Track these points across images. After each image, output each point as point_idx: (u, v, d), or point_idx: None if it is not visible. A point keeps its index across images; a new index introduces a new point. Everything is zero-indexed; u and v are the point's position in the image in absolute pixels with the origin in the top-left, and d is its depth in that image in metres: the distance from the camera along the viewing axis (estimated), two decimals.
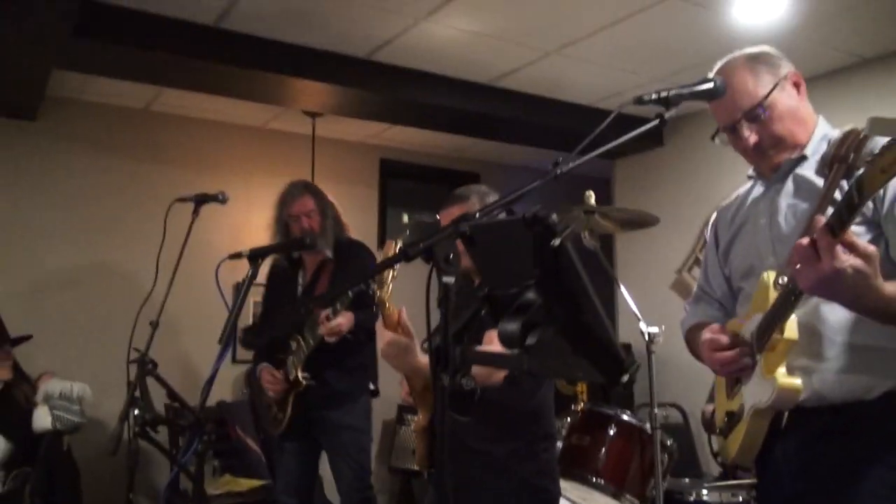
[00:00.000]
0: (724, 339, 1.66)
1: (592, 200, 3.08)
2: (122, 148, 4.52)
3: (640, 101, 1.64)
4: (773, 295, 1.55)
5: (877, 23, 3.36)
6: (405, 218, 1.97)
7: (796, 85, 1.77)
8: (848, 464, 1.55)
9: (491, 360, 1.23)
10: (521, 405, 2.24)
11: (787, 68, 1.76)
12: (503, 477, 2.21)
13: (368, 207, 5.32)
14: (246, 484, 4.15)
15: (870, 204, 1.55)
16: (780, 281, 1.55)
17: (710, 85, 1.66)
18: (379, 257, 2.23)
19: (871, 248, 1.30)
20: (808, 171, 1.68)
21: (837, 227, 1.29)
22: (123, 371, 2.88)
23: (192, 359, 4.54)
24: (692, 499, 2.82)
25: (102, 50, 3.28)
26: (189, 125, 4.72)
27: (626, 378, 1.07)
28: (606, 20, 3.32)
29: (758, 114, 1.70)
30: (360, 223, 4.85)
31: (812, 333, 1.58)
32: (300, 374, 3.03)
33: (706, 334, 1.72)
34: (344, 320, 2.87)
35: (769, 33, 3.43)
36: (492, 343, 2.16)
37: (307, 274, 3.29)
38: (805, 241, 1.34)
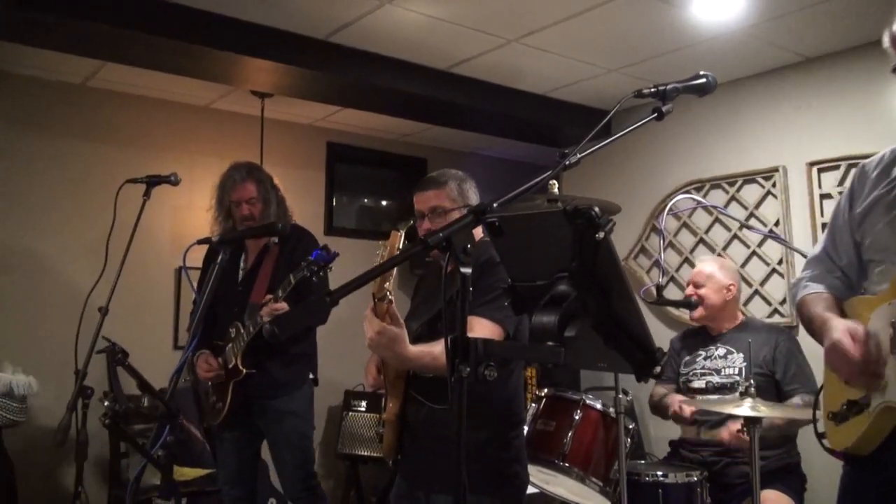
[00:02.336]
0: (854, 351, 1.55)
1: (556, 189, 3.11)
2: (59, 125, 4.28)
3: (639, 94, 1.65)
4: None
5: (823, 24, 3.50)
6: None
7: None
8: None
9: (522, 352, 1.23)
10: (495, 393, 2.25)
11: None
12: (475, 464, 2.21)
13: (315, 192, 5.22)
14: (191, 473, 4.04)
15: None
16: None
17: (703, 80, 1.69)
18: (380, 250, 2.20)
19: None
20: None
21: None
22: (64, 359, 2.75)
23: (137, 344, 4.38)
24: (649, 479, 2.90)
25: (44, 21, 3.09)
26: (129, 102, 4.51)
27: (658, 370, 1.09)
28: (568, 11, 3.34)
29: None
30: (307, 208, 4.76)
31: None
32: (240, 363, 2.96)
33: (835, 334, 1.60)
34: (284, 305, 2.80)
35: (724, 29, 3.54)
36: (472, 332, 2.17)
37: (249, 259, 3.22)
38: None
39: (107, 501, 3.88)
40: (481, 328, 2.05)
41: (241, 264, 3.22)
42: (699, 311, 3.28)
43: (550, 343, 1.08)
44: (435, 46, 3.75)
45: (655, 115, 1.65)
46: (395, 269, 1.75)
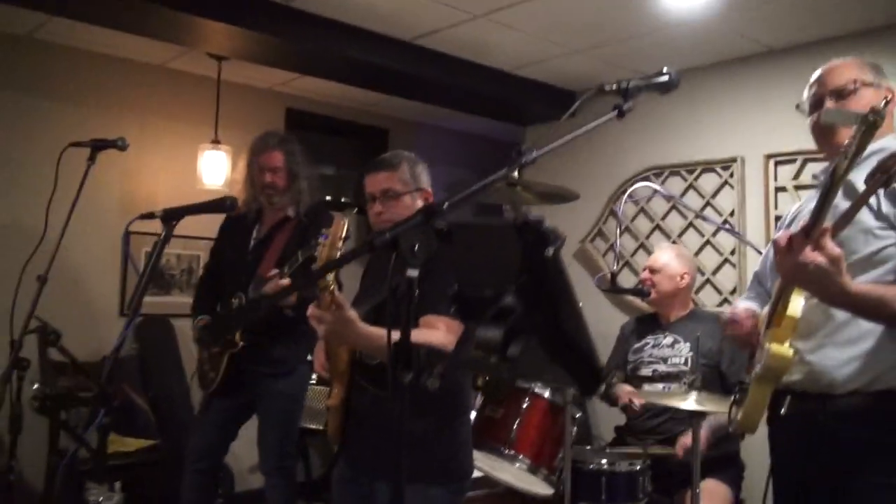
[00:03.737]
0: (741, 315, 1.94)
1: (515, 174, 3.07)
2: (3, 78, 4.07)
3: (601, 90, 1.64)
4: None
5: (790, 15, 3.50)
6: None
7: (889, 101, 1.82)
8: (846, 455, 1.71)
9: (465, 364, 1.19)
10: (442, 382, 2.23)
11: (890, 84, 1.90)
12: (420, 453, 2.18)
13: None
14: (133, 444, 3.95)
15: (894, 209, 1.74)
16: None
17: (665, 77, 1.68)
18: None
19: (837, 251, 1.51)
20: (857, 176, 1.72)
21: (810, 229, 1.51)
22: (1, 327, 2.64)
23: (82, 310, 4.26)
24: (593, 467, 2.92)
25: None
26: (78, 57, 4.30)
27: (602, 389, 1.07)
28: None
29: (846, 90, 1.84)
30: None
31: (822, 317, 1.75)
32: (237, 335, 2.91)
33: (727, 313, 1.98)
34: (288, 283, 2.75)
35: (691, 16, 3.50)
36: (429, 327, 2.13)
37: (262, 230, 3.15)
38: (784, 236, 1.56)
39: (44, 472, 3.78)
40: (443, 325, 2.02)
41: (254, 234, 3.15)
42: (652, 294, 3.31)
43: (494, 358, 1.04)
44: (399, 17, 3.65)
45: (616, 111, 1.64)
46: (340, 250, 1.70)
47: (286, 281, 2.76)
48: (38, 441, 3.82)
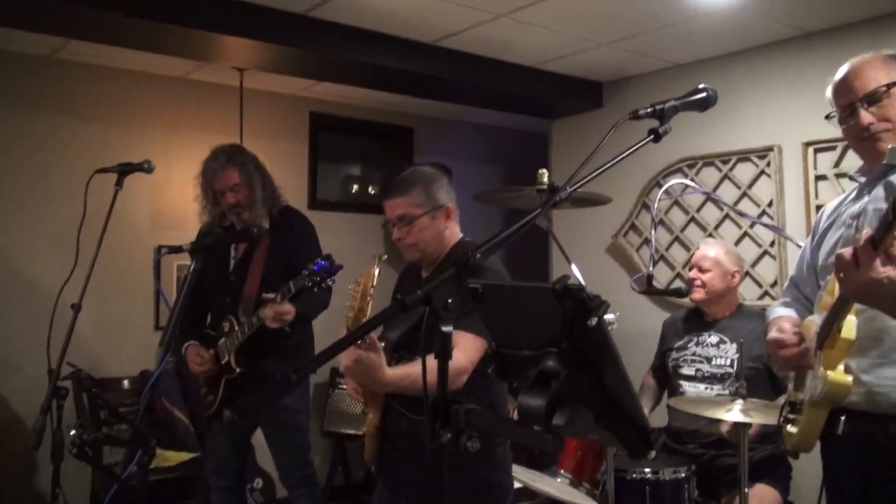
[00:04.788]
0: (790, 338, 1.82)
1: (546, 179, 3.00)
2: (27, 100, 4.09)
3: (635, 115, 1.58)
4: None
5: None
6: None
7: None
8: None
9: (506, 431, 1.14)
10: (477, 401, 2.19)
11: None
12: (458, 475, 2.16)
13: (298, 163, 5.08)
14: (175, 457, 3.97)
15: None
16: None
17: (703, 94, 1.62)
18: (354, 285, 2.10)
19: None
20: None
21: (878, 240, 1.39)
22: (38, 356, 2.65)
23: (118, 326, 4.30)
24: (636, 476, 2.86)
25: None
26: (101, 74, 4.31)
27: (653, 454, 1.01)
28: None
29: (879, 96, 1.75)
30: (290, 179, 4.60)
31: (876, 336, 1.68)
32: (233, 361, 2.88)
33: (772, 332, 1.86)
34: (289, 308, 2.72)
35: (721, 4, 3.38)
36: (455, 345, 2.09)
37: (240, 247, 3.11)
38: (848, 251, 1.45)
39: (90, 491, 3.83)
40: (465, 341, 1.99)
41: (232, 252, 3.10)
42: (700, 293, 3.19)
43: (537, 427, 0.99)
44: (420, 20, 3.58)
45: (652, 136, 1.58)
46: (371, 298, 1.67)
47: (287, 305, 2.73)
48: (82, 469, 3.92)
